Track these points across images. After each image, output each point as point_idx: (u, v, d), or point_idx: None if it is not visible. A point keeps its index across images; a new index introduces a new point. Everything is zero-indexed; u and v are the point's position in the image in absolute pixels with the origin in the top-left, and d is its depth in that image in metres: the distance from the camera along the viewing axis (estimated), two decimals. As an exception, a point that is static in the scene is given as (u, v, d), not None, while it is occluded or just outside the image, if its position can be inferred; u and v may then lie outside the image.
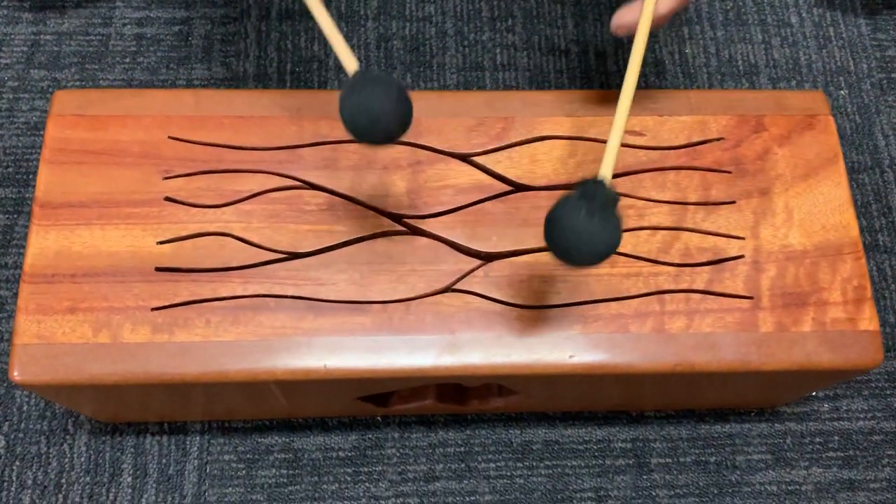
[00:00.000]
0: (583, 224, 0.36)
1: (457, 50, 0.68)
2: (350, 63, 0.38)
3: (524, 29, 0.70)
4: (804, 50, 0.70)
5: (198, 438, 0.55)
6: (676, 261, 0.46)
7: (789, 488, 0.56)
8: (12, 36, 0.67)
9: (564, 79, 0.68)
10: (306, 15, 0.69)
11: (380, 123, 0.37)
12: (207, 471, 0.55)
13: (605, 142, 0.48)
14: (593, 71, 0.68)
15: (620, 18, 0.44)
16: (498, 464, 0.56)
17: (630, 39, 0.43)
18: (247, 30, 0.68)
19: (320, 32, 0.68)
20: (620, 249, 0.46)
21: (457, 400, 0.53)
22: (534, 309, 0.44)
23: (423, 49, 0.68)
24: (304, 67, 0.67)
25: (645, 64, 0.69)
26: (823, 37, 0.71)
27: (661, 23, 0.44)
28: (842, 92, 0.69)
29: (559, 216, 0.37)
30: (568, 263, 0.38)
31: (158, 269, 0.44)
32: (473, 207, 0.46)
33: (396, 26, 0.69)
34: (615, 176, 0.47)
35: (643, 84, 0.68)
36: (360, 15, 0.69)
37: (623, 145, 0.48)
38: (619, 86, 0.67)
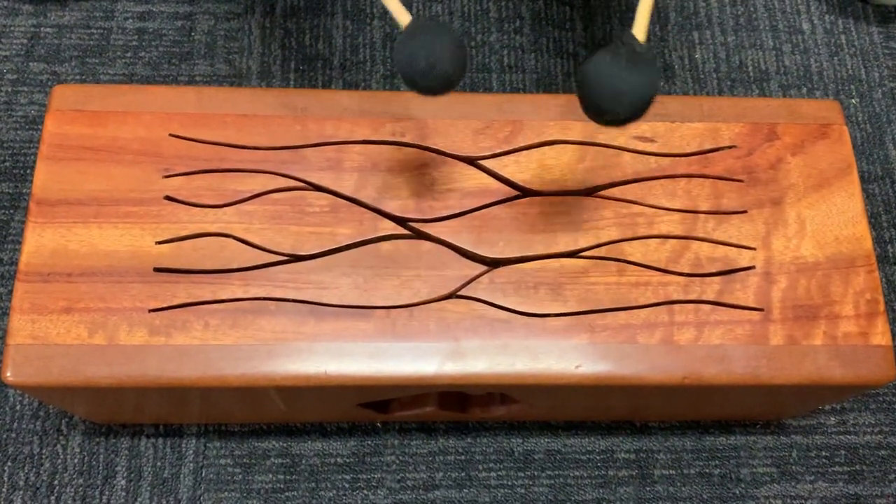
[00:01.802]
0: (622, 68, 0.35)
1: (465, 45, 0.67)
2: (403, 16, 0.38)
3: (532, 31, 0.69)
4: (815, 57, 0.70)
5: (194, 442, 0.54)
6: (686, 270, 0.45)
7: (794, 502, 0.55)
8: (12, 28, 0.66)
9: (572, 82, 0.67)
10: (311, 12, 0.68)
11: (438, 67, 0.36)
12: (203, 475, 0.54)
13: (616, 147, 0.47)
14: (602, 74, 0.67)
15: None
16: (499, 473, 0.55)
17: None
18: (251, 26, 0.67)
19: (328, 30, 0.67)
20: (630, 258, 0.45)
21: (458, 407, 0.53)
22: (540, 317, 0.43)
23: (430, 49, 0.67)
24: (309, 66, 0.66)
25: (654, 68, 0.68)
26: (835, 44, 0.70)
27: None
28: (853, 101, 0.68)
29: (596, 62, 0.35)
30: (602, 112, 0.36)
31: (157, 270, 0.43)
32: (480, 212, 0.46)
33: (403, 25, 0.68)
34: (626, 182, 0.47)
35: (652, 89, 0.67)
36: (365, 13, 0.68)
37: (633, 151, 0.47)
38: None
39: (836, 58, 0.70)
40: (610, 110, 0.35)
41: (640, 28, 0.37)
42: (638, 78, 0.35)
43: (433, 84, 0.37)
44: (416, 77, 0.36)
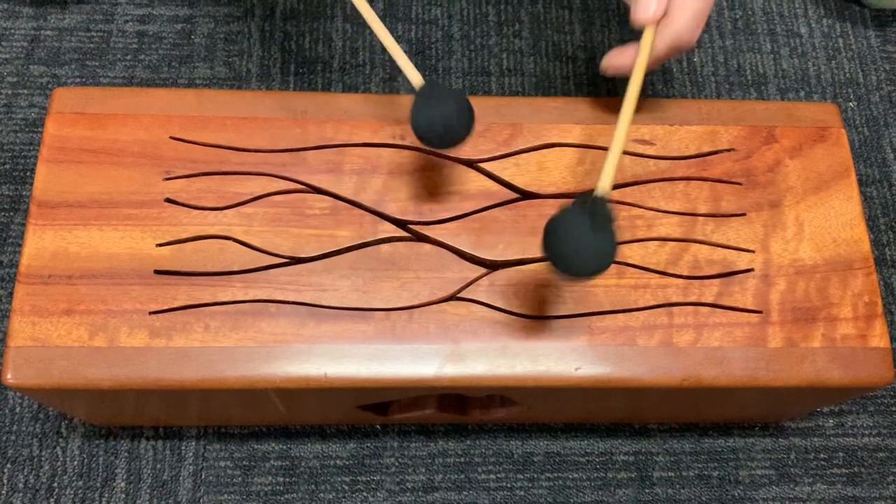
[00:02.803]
0: (583, 236, 0.37)
1: (463, 54, 0.67)
2: (415, 77, 0.41)
3: (531, 34, 0.69)
4: (813, 61, 0.70)
5: (193, 444, 0.54)
6: (685, 273, 0.45)
7: (793, 505, 0.56)
8: (12, 31, 0.66)
9: (571, 85, 0.67)
10: (311, 15, 0.68)
11: (452, 132, 0.40)
12: (203, 477, 0.54)
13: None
14: (600, 78, 0.68)
15: (612, 60, 0.45)
16: (498, 475, 0.55)
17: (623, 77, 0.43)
18: (250, 29, 0.67)
19: (327, 33, 0.67)
20: (629, 260, 0.45)
21: (458, 410, 0.53)
22: (540, 319, 0.43)
23: (429, 52, 0.67)
24: (309, 69, 0.66)
25: (651, 72, 0.68)
26: (833, 48, 0.71)
27: (654, 66, 0.44)
28: (850, 104, 0.69)
29: (557, 227, 0.37)
30: (564, 274, 0.37)
31: (157, 272, 0.43)
32: (479, 214, 0.46)
33: (402, 29, 0.68)
34: (626, 185, 0.47)
35: (650, 93, 0.67)
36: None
37: (632, 154, 0.47)
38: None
39: (833, 61, 0.70)
40: (576, 270, 0.37)
41: (605, 184, 0.38)
42: (602, 242, 0.37)
43: (447, 145, 0.41)
44: (432, 140, 0.41)
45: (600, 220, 0.37)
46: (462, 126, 0.40)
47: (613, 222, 0.38)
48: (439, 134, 0.40)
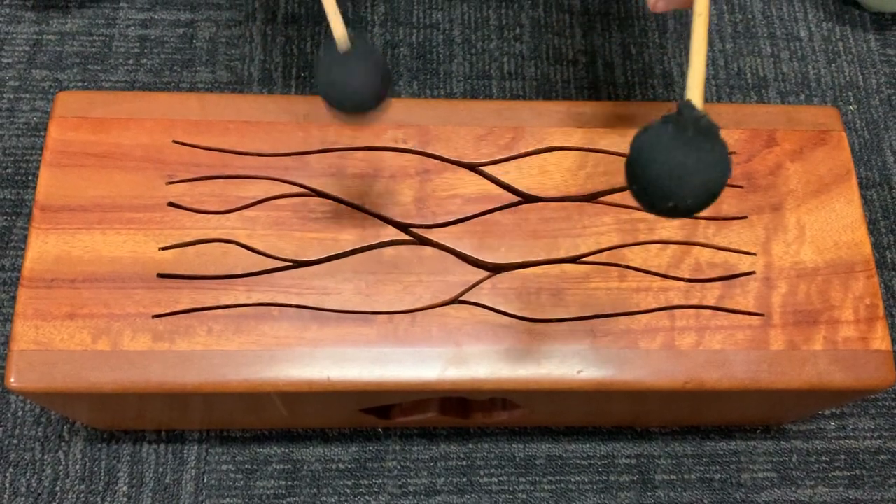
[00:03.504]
0: (686, 145, 0.28)
1: (464, 58, 0.68)
2: (341, 34, 0.36)
3: (532, 38, 0.69)
4: (813, 64, 0.70)
5: (195, 447, 0.54)
6: (687, 276, 0.45)
7: (795, 508, 0.56)
8: (14, 35, 0.66)
9: (572, 89, 0.67)
10: (312, 19, 0.68)
11: (355, 100, 0.36)
12: (205, 481, 0.54)
13: (616, 153, 0.48)
14: (601, 81, 0.68)
15: None
16: (500, 478, 0.55)
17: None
18: (252, 33, 0.67)
19: (329, 37, 0.67)
20: (631, 263, 0.45)
21: (460, 413, 0.53)
22: (542, 322, 0.44)
23: (430, 56, 0.67)
24: (310, 72, 0.66)
25: (653, 76, 0.68)
26: (833, 51, 0.71)
27: None
28: (851, 107, 0.69)
29: (651, 143, 0.28)
30: (663, 206, 0.29)
31: (160, 276, 0.43)
32: (481, 218, 0.46)
33: (404, 33, 0.68)
34: (625, 189, 0.47)
35: (651, 96, 0.68)
36: (367, 21, 0.69)
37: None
38: (626, 97, 0.67)
39: (833, 65, 0.70)
40: (673, 197, 0.28)
41: (695, 91, 0.30)
42: (706, 157, 0.28)
43: (349, 109, 0.37)
44: (335, 105, 0.36)
45: (696, 129, 0.28)
46: (368, 91, 0.35)
47: (716, 133, 0.29)
48: (340, 101, 0.36)
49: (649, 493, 0.55)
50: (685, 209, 0.29)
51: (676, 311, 0.44)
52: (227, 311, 0.42)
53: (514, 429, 0.56)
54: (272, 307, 0.43)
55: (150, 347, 0.41)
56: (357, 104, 0.36)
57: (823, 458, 0.57)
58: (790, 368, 0.44)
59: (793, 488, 0.56)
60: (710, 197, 0.29)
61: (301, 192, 0.45)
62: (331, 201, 0.45)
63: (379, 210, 0.45)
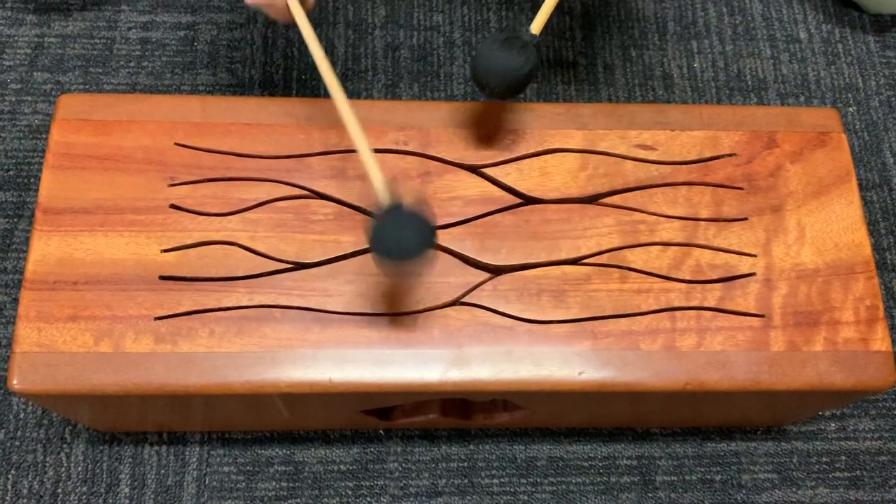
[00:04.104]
0: (497, 48, 0.41)
1: (464, 60, 0.68)
2: (384, 195, 0.39)
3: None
4: (813, 66, 0.70)
5: (197, 449, 0.54)
6: (688, 277, 0.45)
7: (795, 508, 0.56)
8: (16, 38, 0.66)
9: (572, 91, 0.67)
10: (313, 22, 0.68)
11: (408, 258, 0.39)
12: (206, 482, 0.54)
13: (617, 155, 0.48)
14: (601, 83, 0.68)
15: None
16: (501, 480, 0.55)
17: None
18: (253, 36, 0.68)
19: (329, 40, 0.67)
20: (632, 265, 0.45)
21: (461, 414, 0.53)
22: (543, 324, 0.44)
23: (431, 59, 0.68)
24: (311, 75, 0.66)
25: (653, 78, 0.68)
26: (832, 53, 0.71)
27: None
28: (850, 109, 0.69)
29: (482, 44, 0.42)
30: (480, 85, 0.42)
31: (162, 278, 0.43)
32: (482, 220, 0.46)
33: (404, 35, 0.68)
34: (628, 190, 0.47)
35: (651, 98, 0.68)
36: (367, 23, 0.69)
37: (634, 159, 0.48)
38: (627, 99, 0.67)
39: (833, 67, 0.70)
40: (484, 83, 0.42)
41: (537, 22, 0.43)
42: (509, 57, 0.41)
43: (402, 263, 0.40)
44: (387, 258, 0.39)
45: (511, 40, 0.42)
46: (415, 252, 0.39)
47: (526, 42, 0.42)
48: (393, 259, 0.39)
49: (650, 494, 0.55)
50: (496, 92, 0.42)
51: (677, 313, 0.44)
52: (228, 312, 0.43)
53: (515, 430, 0.56)
54: (274, 309, 0.43)
55: (152, 349, 0.41)
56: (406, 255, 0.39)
57: (824, 459, 0.57)
58: (791, 369, 0.44)
59: (793, 489, 0.56)
60: (512, 86, 0.42)
61: (302, 195, 0.45)
62: (332, 203, 0.45)
63: (380, 212, 0.45)
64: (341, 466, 0.55)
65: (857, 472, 0.57)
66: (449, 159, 0.47)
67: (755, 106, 0.67)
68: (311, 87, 0.66)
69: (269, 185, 0.45)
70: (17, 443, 0.54)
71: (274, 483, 0.54)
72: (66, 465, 0.54)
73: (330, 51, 0.67)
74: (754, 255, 0.46)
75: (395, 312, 0.43)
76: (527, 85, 0.42)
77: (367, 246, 0.44)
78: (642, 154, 0.48)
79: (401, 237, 0.38)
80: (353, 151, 0.46)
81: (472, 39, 0.69)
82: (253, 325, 0.42)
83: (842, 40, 0.72)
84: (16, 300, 0.57)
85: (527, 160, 0.47)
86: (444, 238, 0.45)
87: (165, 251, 0.43)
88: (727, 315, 0.45)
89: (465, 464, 0.55)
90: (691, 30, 0.71)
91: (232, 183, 0.45)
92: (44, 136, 0.63)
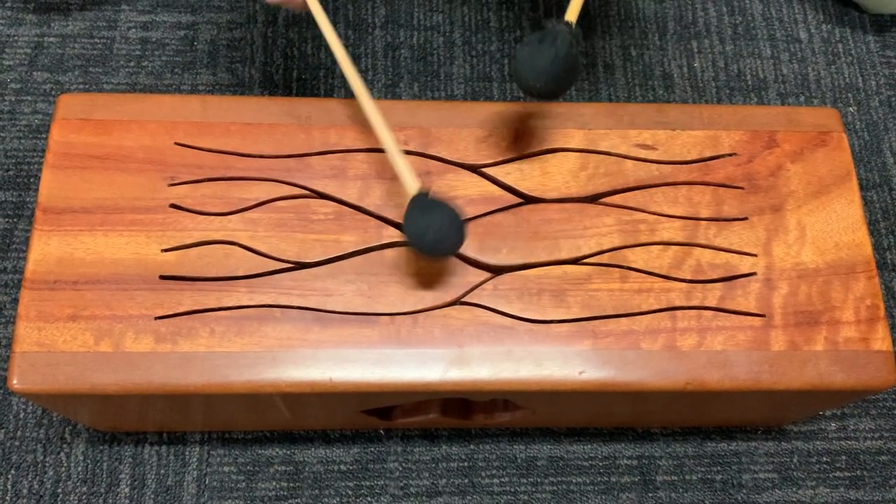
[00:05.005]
0: (537, 46, 0.40)
1: (465, 60, 0.68)
2: (412, 184, 0.42)
3: (532, 40, 0.69)
4: (813, 66, 0.70)
5: (197, 449, 0.54)
6: (688, 277, 0.45)
7: (796, 508, 0.56)
8: (16, 38, 0.66)
9: (573, 90, 0.67)
10: (313, 22, 0.68)
11: (442, 245, 0.41)
12: (206, 482, 0.54)
13: (618, 155, 0.48)
14: (602, 83, 0.68)
15: None
16: (502, 479, 0.55)
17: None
18: (253, 36, 0.67)
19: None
20: (632, 264, 0.45)
21: (461, 414, 0.53)
22: (544, 323, 0.44)
23: (431, 58, 0.68)
24: (311, 75, 0.66)
25: (653, 77, 0.68)
26: (832, 53, 0.71)
27: None
28: (850, 109, 0.69)
29: (522, 44, 0.41)
30: (526, 90, 0.41)
31: (163, 278, 0.43)
32: (483, 219, 0.46)
33: (404, 35, 0.68)
34: (629, 189, 0.47)
35: (651, 97, 0.68)
36: (367, 23, 0.69)
37: (635, 159, 0.48)
38: (627, 98, 0.67)
39: (833, 66, 0.70)
40: (525, 84, 0.41)
41: (571, 12, 0.42)
42: (549, 54, 0.40)
43: (436, 255, 0.42)
44: (423, 248, 0.41)
45: (552, 37, 0.41)
46: (452, 240, 0.41)
47: (568, 37, 0.41)
48: (429, 244, 0.40)
49: (650, 494, 0.55)
50: (540, 92, 0.41)
51: (678, 312, 0.44)
52: (229, 312, 0.42)
53: (515, 430, 0.56)
54: (274, 308, 0.43)
55: (152, 349, 0.41)
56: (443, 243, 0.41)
57: (824, 459, 0.57)
58: (791, 369, 0.44)
59: (794, 489, 0.56)
60: (556, 84, 0.41)
61: (303, 194, 0.45)
62: (333, 203, 0.45)
63: (380, 211, 0.45)
64: (341, 466, 0.55)
65: (858, 471, 0.57)
66: (449, 159, 0.47)
67: (755, 105, 0.67)
68: (311, 87, 0.66)
69: (270, 185, 0.45)
70: (17, 443, 0.54)
71: (274, 483, 0.54)
72: (65, 464, 0.53)
73: (330, 50, 0.67)
74: (755, 255, 0.46)
75: (395, 312, 0.43)
76: (575, 77, 0.42)
77: (367, 245, 0.44)
78: (643, 154, 0.48)
79: (440, 234, 0.40)
80: (354, 151, 0.46)
81: (472, 39, 0.69)
82: (253, 325, 0.42)
83: (842, 40, 0.72)
84: (16, 300, 0.57)
85: (527, 160, 0.47)
86: (444, 237, 0.45)
87: (166, 251, 0.43)
88: (728, 315, 0.45)
89: (466, 463, 0.55)
90: (691, 29, 0.71)
91: (232, 182, 0.45)
92: (44, 135, 0.62)
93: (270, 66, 0.66)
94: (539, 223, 0.46)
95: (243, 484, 0.54)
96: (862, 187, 0.66)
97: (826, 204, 0.48)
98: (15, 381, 0.40)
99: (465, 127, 0.48)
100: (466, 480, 0.55)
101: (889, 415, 0.59)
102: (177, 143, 0.46)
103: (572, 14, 0.42)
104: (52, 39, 0.66)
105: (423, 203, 0.41)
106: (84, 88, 0.64)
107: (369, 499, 0.54)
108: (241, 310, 0.43)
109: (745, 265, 0.46)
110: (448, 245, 0.41)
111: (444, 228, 0.40)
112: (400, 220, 0.45)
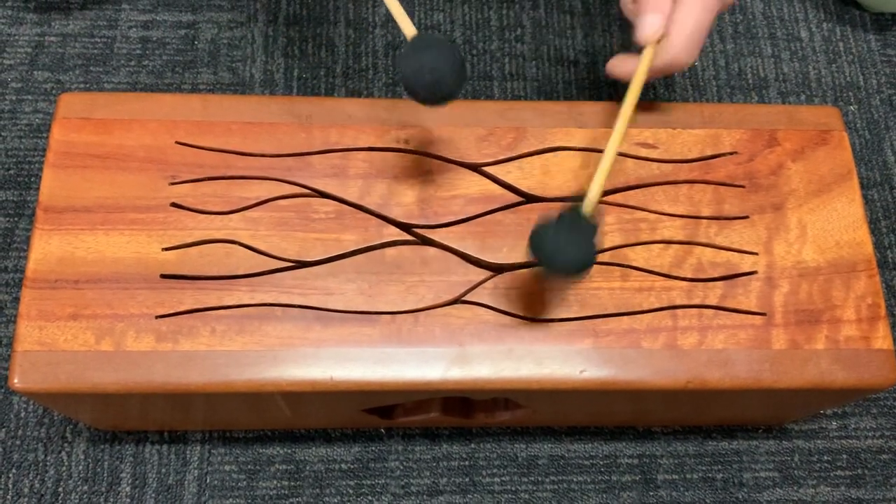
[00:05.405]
0: (555, 239, 0.39)
1: (465, 59, 0.68)
2: (408, 28, 0.40)
3: (533, 39, 0.69)
4: (814, 64, 0.70)
5: (198, 448, 0.54)
6: (689, 275, 0.45)
7: (797, 507, 0.56)
8: (16, 37, 0.66)
9: (573, 89, 0.67)
10: (314, 20, 0.68)
11: (441, 83, 0.39)
12: (207, 481, 0.54)
13: (618, 154, 0.48)
14: (602, 82, 0.68)
15: (616, 66, 0.47)
16: (503, 478, 0.55)
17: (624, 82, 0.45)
18: (254, 35, 0.67)
19: (330, 38, 0.68)
20: (633, 263, 0.45)
21: (462, 413, 0.53)
22: (544, 322, 0.44)
23: (432, 57, 0.67)
24: (312, 74, 0.66)
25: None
26: (833, 52, 0.71)
27: (654, 76, 0.45)
28: (851, 107, 0.69)
29: (543, 230, 0.40)
30: (550, 271, 0.40)
31: (163, 277, 0.43)
32: (484, 218, 0.46)
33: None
34: (629, 188, 0.47)
35: (652, 96, 0.68)
36: (368, 22, 0.69)
37: (635, 157, 0.48)
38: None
39: (834, 65, 0.70)
40: (554, 271, 0.40)
41: (589, 201, 0.41)
42: (575, 245, 0.39)
43: (434, 96, 0.40)
44: (418, 89, 0.39)
45: (577, 230, 0.40)
46: (451, 76, 0.38)
47: (593, 232, 0.40)
48: (426, 83, 0.38)
49: (651, 493, 0.55)
50: (567, 276, 0.42)
51: (679, 311, 0.44)
52: (230, 311, 0.43)
53: (516, 429, 0.56)
54: (275, 307, 0.43)
55: (153, 348, 0.41)
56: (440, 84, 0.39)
57: (825, 458, 0.57)
58: (792, 368, 0.44)
59: (795, 488, 0.56)
60: (580, 271, 0.40)
61: (304, 193, 0.45)
62: (333, 202, 0.45)
63: (381, 210, 0.45)
64: (342, 465, 0.55)
65: (859, 470, 0.57)
66: (450, 157, 0.47)
67: (756, 104, 0.67)
68: (312, 86, 0.66)
69: (271, 184, 0.45)
70: (18, 442, 0.54)
71: (275, 482, 0.54)
72: (66, 463, 0.54)
73: (330, 50, 0.67)
74: (756, 254, 0.46)
75: (396, 311, 0.43)
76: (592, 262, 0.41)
77: (368, 244, 0.44)
78: (643, 152, 0.48)
79: (432, 56, 0.38)
80: (355, 150, 0.46)
81: (473, 38, 0.69)
82: (254, 324, 0.42)
83: (843, 39, 0.72)
84: (17, 299, 0.57)
85: (528, 158, 0.47)
86: (444, 236, 0.45)
87: (166, 249, 0.43)
88: (729, 313, 0.45)
89: (467, 462, 0.55)
90: (692, 28, 0.71)
91: (233, 181, 0.45)
92: (44, 134, 0.63)
93: (271, 65, 0.66)
94: (540, 222, 0.46)
95: (244, 483, 0.54)
96: (863, 186, 0.66)
97: (827, 202, 0.48)
98: (16, 380, 0.41)
99: (465, 126, 0.48)
100: (467, 479, 0.55)
101: (890, 413, 0.59)
102: (177, 142, 0.46)
103: (591, 204, 0.42)
104: (52, 38, 0.66)
105: (421, 41, 0.39)
106: (85, 88, 0.65)
107: (370, 497, 0.54)
108: (242, 309, 0.43)
109: (745, 264, 0.46)
110: (448, 85, 0.39)
111: (443, 67, 0.38)
112: (401, 220, 0.45)
